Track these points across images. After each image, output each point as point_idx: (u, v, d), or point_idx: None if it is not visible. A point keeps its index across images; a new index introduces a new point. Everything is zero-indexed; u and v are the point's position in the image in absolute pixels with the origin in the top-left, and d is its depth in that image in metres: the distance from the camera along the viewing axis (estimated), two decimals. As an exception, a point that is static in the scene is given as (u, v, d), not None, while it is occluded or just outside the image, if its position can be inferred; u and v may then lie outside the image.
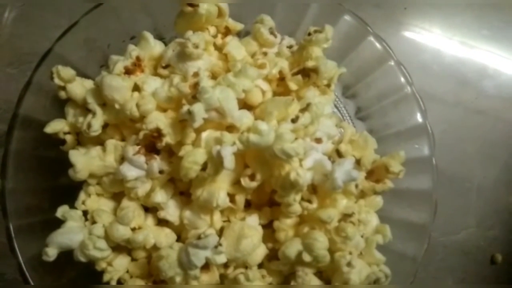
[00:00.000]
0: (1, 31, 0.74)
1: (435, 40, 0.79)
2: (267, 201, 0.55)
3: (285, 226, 0.51)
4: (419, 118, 0.56)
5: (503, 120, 0.77)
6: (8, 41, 0.73)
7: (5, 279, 0.66)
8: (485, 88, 0.78)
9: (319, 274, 0.52)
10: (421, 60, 0.77)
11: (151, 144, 0.50)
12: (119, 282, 0.53)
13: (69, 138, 0.54)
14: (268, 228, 0.54)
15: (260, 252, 0.51)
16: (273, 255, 0.53)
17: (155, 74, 0.55)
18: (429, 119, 0.56)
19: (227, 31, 0.58)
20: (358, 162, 0.55)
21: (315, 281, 0.51)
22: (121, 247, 0.52)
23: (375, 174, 0.56)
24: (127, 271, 0.53)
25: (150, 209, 0.54)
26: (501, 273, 0.72)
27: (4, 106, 0.70)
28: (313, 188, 0.51)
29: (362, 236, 0.51)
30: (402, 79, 0.56)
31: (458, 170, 0.74)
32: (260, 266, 0.52)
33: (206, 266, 0.49)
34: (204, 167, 0.46)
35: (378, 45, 0.57)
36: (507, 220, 0.74)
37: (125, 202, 0.52)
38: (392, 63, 0.57)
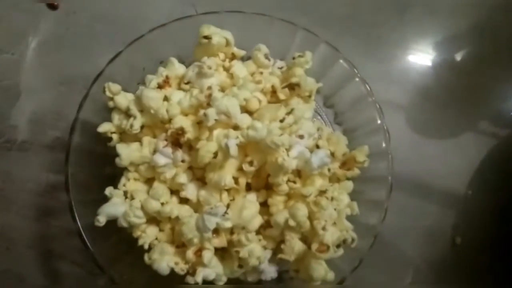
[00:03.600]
0: (49, 58, 0.80)
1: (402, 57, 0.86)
2: (263, 186, 0.59)
3: (276, 201, 0.57)
4: (378, 120, 0.62)
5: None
6: (56, 65, 0.79)
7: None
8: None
9: (304, 240, 0.56)
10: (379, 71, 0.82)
11: (176, 140, 0.55)
12: (150, 247, 0.57)
13: (114, 136, 0.59)
14: (264, 206, 0.58)
15: (257, 221, 0.56)
16: (267, 226, 0.57)
17: (179, 88, 0.60)
18: (386, 120, 0.62)
19: (233, 57, 0.63)
20: (333, 154, 0.62)
21: (300, 244, 0.56)
22: (152, 220, 0.58)
23: (347, 164, 0.63)
24: (156, 238, 0.58)
25: (174, 191, 0.59)
26: (461, 254, 0.77)
27: (57, 116, 0.77)
28: (298, 172, 0.57)
29: (335, 209, 0.55)
30: (365, 92, 0.63)
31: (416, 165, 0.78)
32: (258, 233, 0.57)
33: (217, 232, 0.55)
34: (215, 155, 0.52)
35: (347, 66, 0.64)
36: (465, 207, 0.78)
37: (156, 184, 0.57)
38: (357, 79, 0.63)
